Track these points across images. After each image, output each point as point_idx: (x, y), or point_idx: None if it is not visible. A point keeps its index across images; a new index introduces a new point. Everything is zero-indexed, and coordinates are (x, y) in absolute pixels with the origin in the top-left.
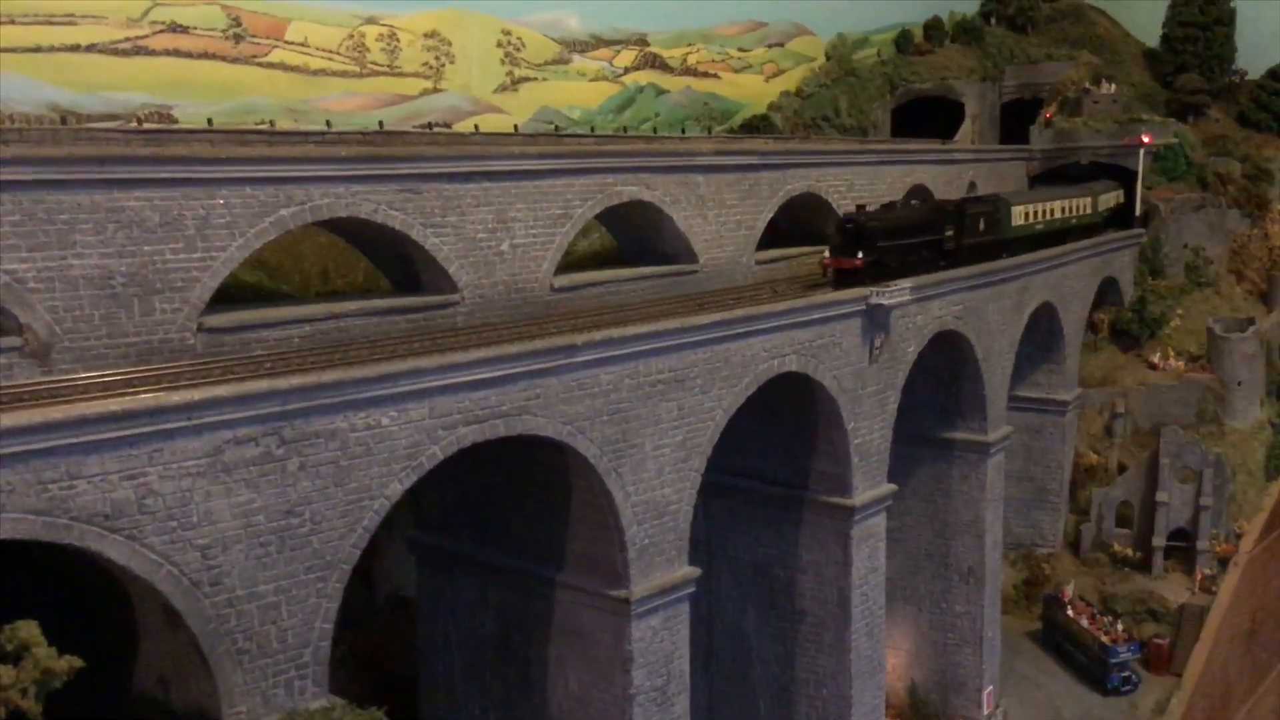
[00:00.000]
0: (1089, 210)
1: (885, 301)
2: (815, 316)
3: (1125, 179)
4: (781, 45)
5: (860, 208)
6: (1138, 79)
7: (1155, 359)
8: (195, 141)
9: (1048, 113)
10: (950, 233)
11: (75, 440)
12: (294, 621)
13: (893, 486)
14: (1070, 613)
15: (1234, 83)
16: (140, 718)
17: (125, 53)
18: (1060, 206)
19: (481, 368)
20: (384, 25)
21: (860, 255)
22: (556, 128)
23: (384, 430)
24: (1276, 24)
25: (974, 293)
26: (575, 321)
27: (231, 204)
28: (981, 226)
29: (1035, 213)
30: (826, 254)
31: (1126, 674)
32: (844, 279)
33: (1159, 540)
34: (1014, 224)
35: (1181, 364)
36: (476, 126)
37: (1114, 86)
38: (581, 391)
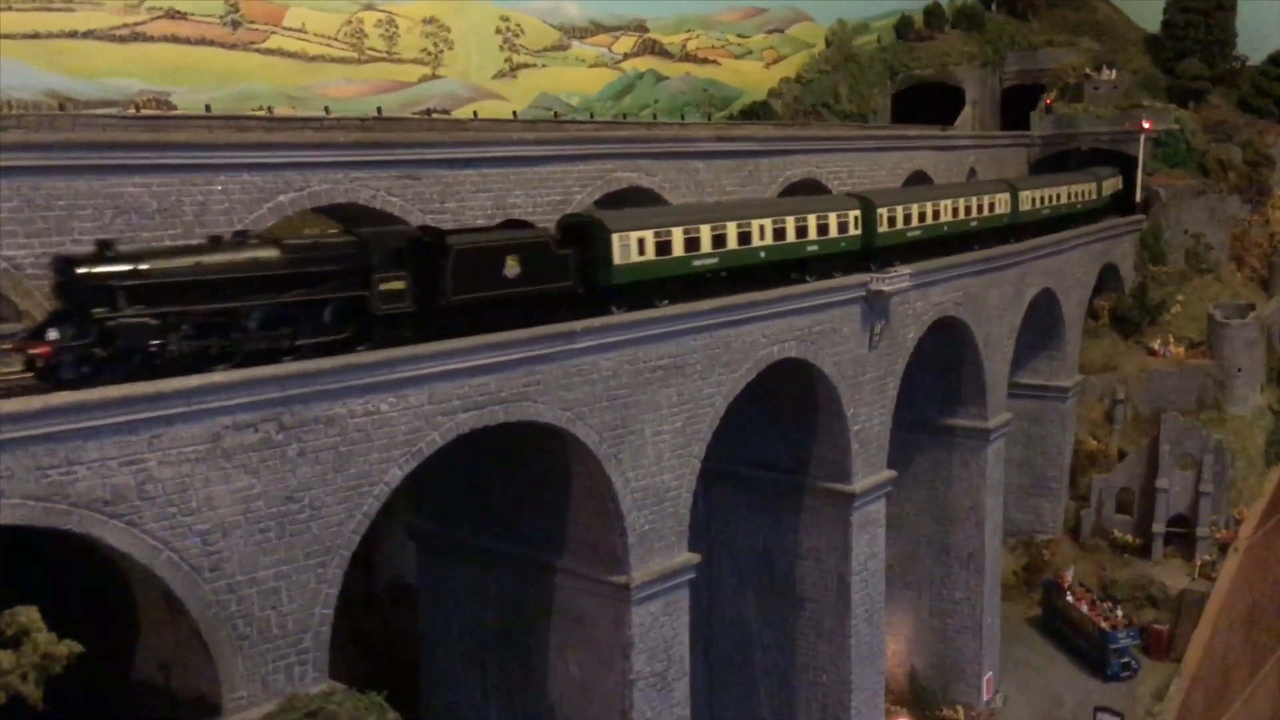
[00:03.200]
0: (835, 233)
1: (885, 288)
2: (815, 303)
3: (1126, 165)
4: (781, 31)
5: (103, 246)
6: (1139, 65)
7: (1156, 345)
8: (193, 128)
9: (1048, 99)
10: (395, 284)
11: (74, 426)
12: (294, 607)
13: (892, 473)
14: (1070, 599)
15: (1235, 68)
16: (141, 704)
17: (123, 39)
18: (766, 228)
19: (481, 354)
20: (382, 11)
21: (54, 336)
22: (555, 114)
23: (383, 416)
24: (1277, 9)
25: (974, 279)
26: None
27: (230, 190)
28: (514, 271)
29: (681, 242)
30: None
31: (1126, 660)
32: (45, 375)
33: (1159, 526)
34: (622, 262)
35: (1182, 350)
36: (475, 113)
37: (1115, 72)
38: (581, 378)
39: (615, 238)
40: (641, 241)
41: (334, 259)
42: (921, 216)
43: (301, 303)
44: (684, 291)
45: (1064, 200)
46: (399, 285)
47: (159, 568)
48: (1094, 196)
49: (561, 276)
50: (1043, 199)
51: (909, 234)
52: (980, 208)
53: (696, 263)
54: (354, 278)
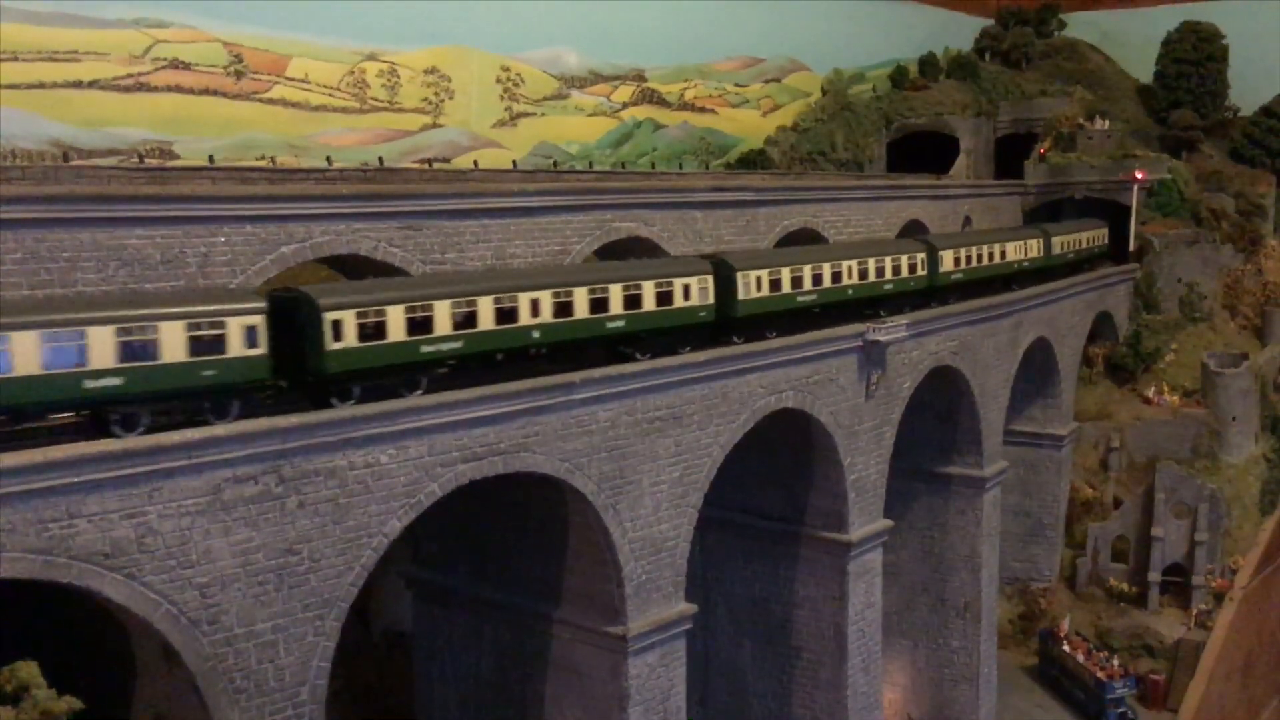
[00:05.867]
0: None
1: (882, 338)
2: (812, 353)
3: (1120, 214)
4: (778, 80)
5: None
6: (1131, 115)
7: (1150, 393)
8: (197, 179)
9: (1042, 148)
10: None
11: (76, 479)
12: (291, 660)
13: (889, 522)
14: (1066, 648)
15: (1227, 119)
16: None
17: (127, 89)
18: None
19: (480, 405)
20: (384, 62)
21: None
22: (555, 162)
23: (383, 468)
24: (1269, 61)
25: (970, 328)
26: None
27: (233, 241)
28: None
29: None
30: None
31: (1123, 709)
32: None
33: (1154, 575)
34: None
35: (1176, 399)
36: (475, 162)
37: (1108, 122)
38: (579, 429)
39: None
40: None
41: None
42: (507, 314)
43: None
44: None
45: (847, 281)
46: None
47: (158, 620)
48: (916, 271)
49: None
50: (790, 281)
51: (426, 351)
52: (664, 297)
53: None
54: None
